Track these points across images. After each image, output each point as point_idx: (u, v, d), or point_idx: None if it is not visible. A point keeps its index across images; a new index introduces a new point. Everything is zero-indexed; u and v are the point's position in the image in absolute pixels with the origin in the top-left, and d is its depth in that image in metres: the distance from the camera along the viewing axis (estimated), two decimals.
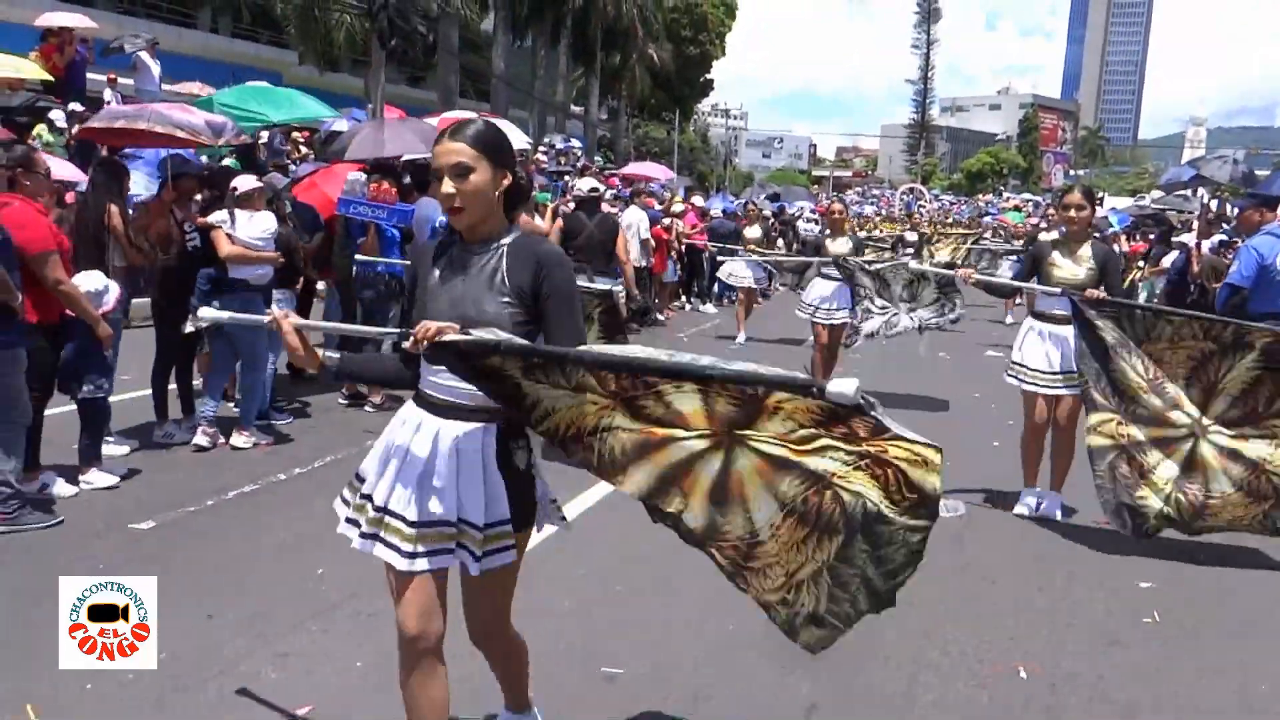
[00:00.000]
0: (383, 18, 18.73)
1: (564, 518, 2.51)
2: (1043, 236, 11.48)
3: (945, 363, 10.53)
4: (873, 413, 2.06)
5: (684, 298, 15.70)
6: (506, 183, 2.33)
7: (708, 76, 51.66)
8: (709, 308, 15.75)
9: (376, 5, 18.89)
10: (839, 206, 8.98)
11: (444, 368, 2.28)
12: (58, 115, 12.59)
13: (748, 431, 2.16)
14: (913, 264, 8.40)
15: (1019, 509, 5.35)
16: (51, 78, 13.92)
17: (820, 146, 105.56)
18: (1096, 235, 5.52)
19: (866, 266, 7.96)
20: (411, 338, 2.19)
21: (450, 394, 2.33)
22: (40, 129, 11.27)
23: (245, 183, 5.68)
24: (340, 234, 7.12)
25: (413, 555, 2.30)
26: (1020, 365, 5.36)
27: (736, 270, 12.41)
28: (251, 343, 5.73)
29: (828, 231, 8.60)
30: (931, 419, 7.37)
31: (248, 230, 5.53)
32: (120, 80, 15.82)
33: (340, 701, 3.03)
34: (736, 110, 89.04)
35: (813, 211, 22.86)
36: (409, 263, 2.57)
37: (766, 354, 10.07)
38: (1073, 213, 5.19)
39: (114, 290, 4.98)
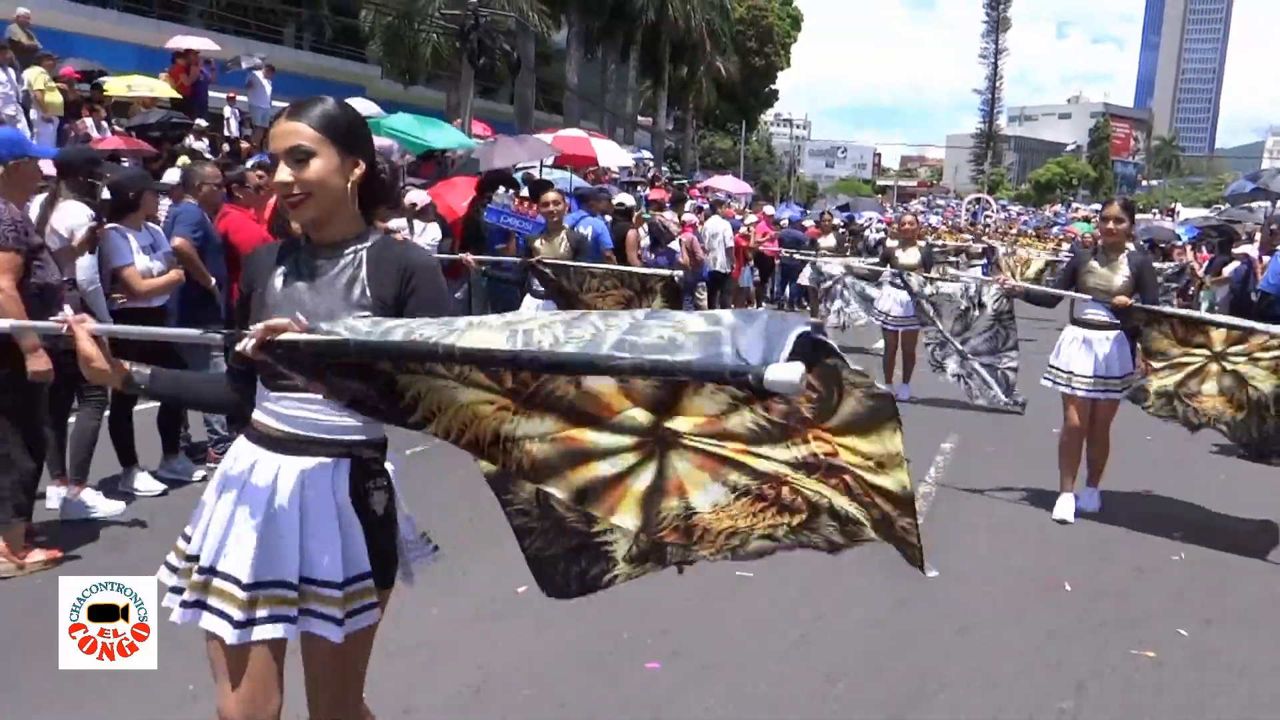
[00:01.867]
0: (474, 38, 19.88)
1: (435, 547, 2.18)
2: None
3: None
4: (826, 361, 1.66)
5: (757, 304, 16.50)
6: (359, 173, 1.99)
7: (772, 87, 52.32)
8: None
9: (468, 26, 20.06)
10: (910, 218, 9.45)
11: (284, 392, 1.96)
12: (200, 146, 13.75)
13: (679, 424, 1.84)
14: (948, 287, 8.14)
15: (1058, 514, 5.39)
16: (180, 96, 15.25)
17: (885, 156, 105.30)
18: (1134, 246, 5.75)
19: (923, 292, 8.10)
20: (246, 340, 1.78)
21: (291, 424, 1.97)
22: (184, 159, 12.40)
23: (420, 197, 6.70)
24: (466, 238, 8.09)
25: (246, 624, 1.93)
26: (1058, 369, 5.48)
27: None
28: None
29: (898, 242, 9.04)
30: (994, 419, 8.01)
31: (422, 241, 6.54)
32: (237, 97, 17.13)
33: None
34: (800, 120, 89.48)
35: (880, 222, 23.47)
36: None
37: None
38: (1111, 224, 5.39)
39: None
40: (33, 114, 12.78)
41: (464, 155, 11.29)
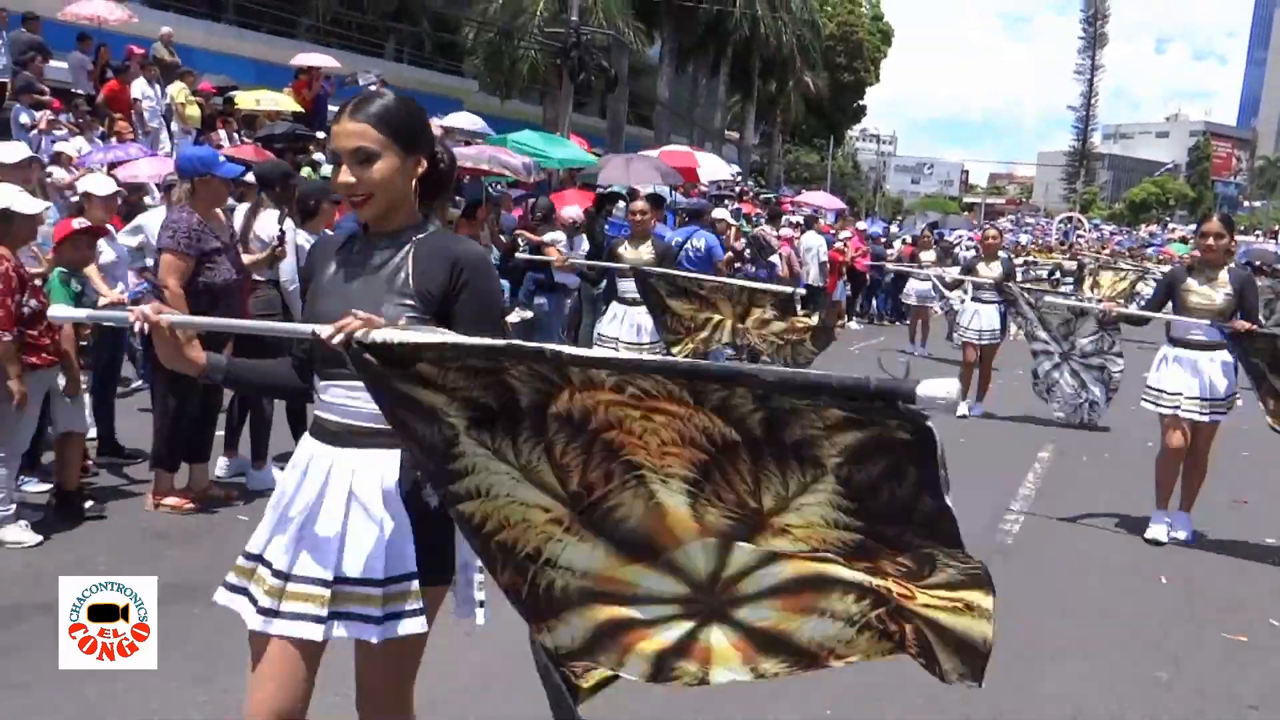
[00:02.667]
0: (575, 55, 20.61)
1: (481, 603, 2.02)
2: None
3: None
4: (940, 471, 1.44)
5: (846, 318, 16.75)
6: (422, 170, 2.01)
7: (860, 102, 52.17)
8: (854, 324, 16.69)
9: (569, 43, 20.80)
10: (994, 232, 9.59)
11: (332, 380, 1.96)
12: (319, 157, 14.64)
13: (738, 597, 1.66)
14: (1053, 299, 8.42)
15: (1151, 533, 5.38)
16: (302, 109, 16.23)
17: (972, 172, 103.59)
18: (1234, 264, 5.66)
19: (1029, 297, 8.26)
20: (333, 332, 1.74)
21: (340, 413, 1.97)
22: (307, 171, 13.23)
23: (575, 213, 7.30)
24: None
25: (270, 612, 1.91)
26: (1157, 390, 5.35)
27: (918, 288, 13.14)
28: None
29: (981, 255, 9.18)
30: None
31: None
32: None
33: None
34: (886, 135, 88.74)
35: (970, 239, 23.42)
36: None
37: (930, 370, 10.98)
38: (1211, 240, 5.23)
39: None
40: (173, 126, 13.85)
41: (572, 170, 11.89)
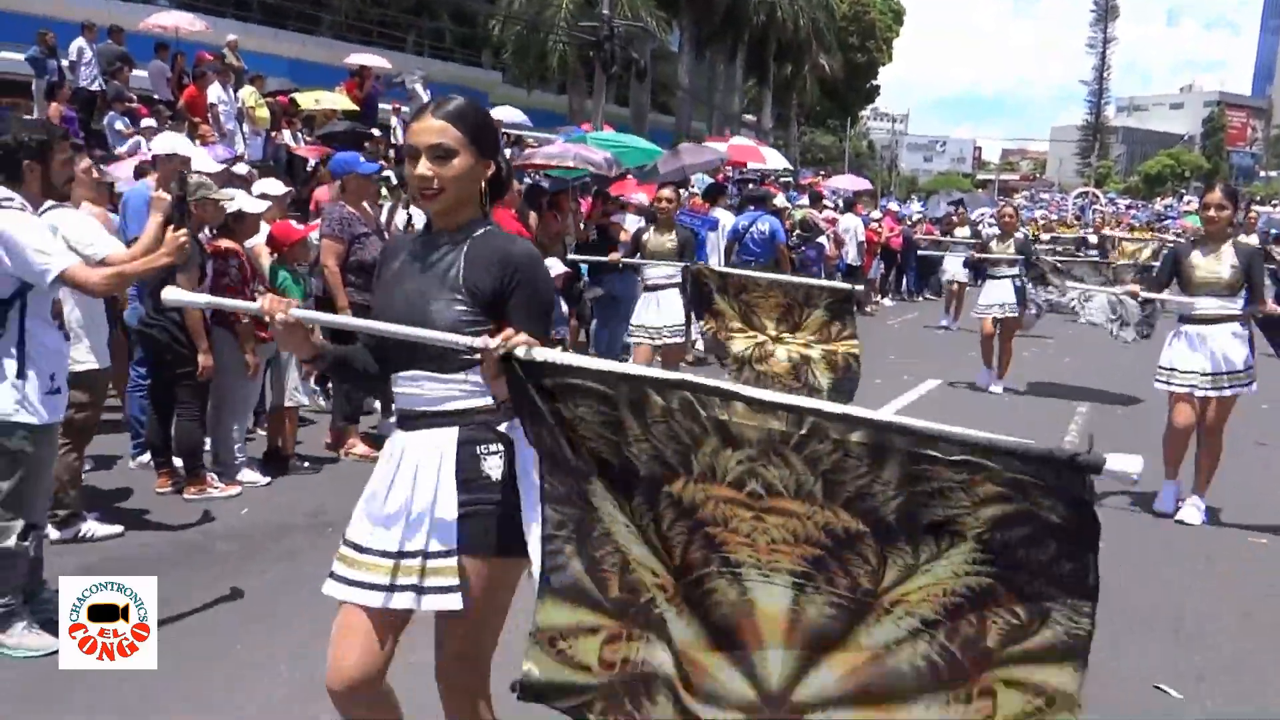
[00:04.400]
0: (608, 48, 21.40)
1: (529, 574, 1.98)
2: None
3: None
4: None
5: (879, 295, 17.59)
6: (490, 173, 2.10)
7: (874, 82, 52.62)
8: (887, 301, 17.49)
9: (602, 36, 21.59)
10: (1009, 209, 9.77)
11: (398, 370, 2.08)
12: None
13: (812, 693, 1.58)
14: (1077, 288, 8.38)
15: (1160, 505, 5.36)
16: (356, 108, 17.10)
17: (985, 149, 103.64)
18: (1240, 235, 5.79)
19: (1059, 265, 8.68)
20: (491, 345, 1.78)
21: (406, 401, 2.09)
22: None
23: (640, 199, 8.10)
24: None
25: (344, 581, 2.05)
26: (1170, 369, 5.28)
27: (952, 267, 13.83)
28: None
29: (998, 232, 9.41)
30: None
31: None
32: (401, 109, 18.96)
33: None
34: (897, 114, 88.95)
35: (992, 217, 24.09)
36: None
37: (965, 341, 11.71)
38: (1213, 212, 5.08)
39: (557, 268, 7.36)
40: (244, 127, 14.75)
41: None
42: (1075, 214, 40.59)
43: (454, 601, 1.96)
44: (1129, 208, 50.28)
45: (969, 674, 1.48)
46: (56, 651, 3.26)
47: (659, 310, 6.57)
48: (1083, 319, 8.74)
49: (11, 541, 3.23)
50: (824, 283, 6.66)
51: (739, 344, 6.28)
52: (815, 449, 1.49)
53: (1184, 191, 63.89)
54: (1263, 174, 79.54)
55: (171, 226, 3.65)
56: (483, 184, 2.09)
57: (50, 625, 3.40)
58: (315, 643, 3.16)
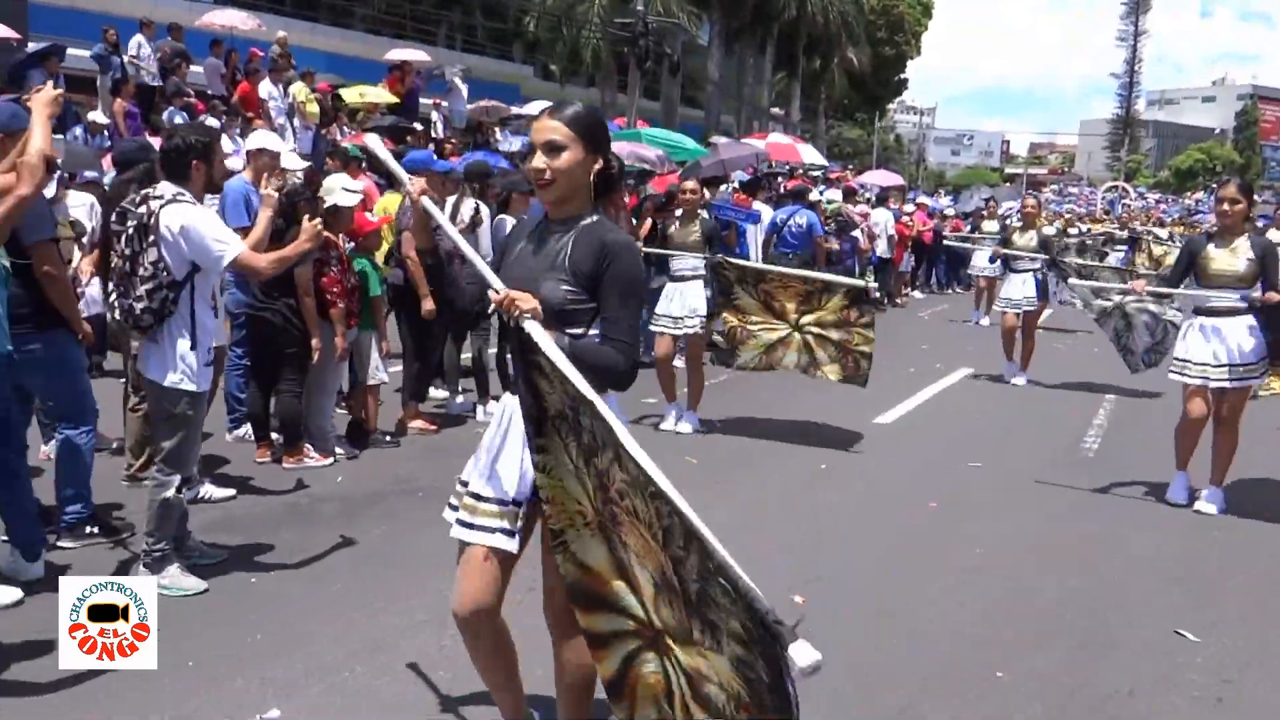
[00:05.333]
0: (643, 43, 21.77)
1: None
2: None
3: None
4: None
5: (909, 288, 17.90)
6: (598, 167, 2.37)
7: (902, 76, 52.58)
8: (917, 294, 17.77)
9: (637, 32, 21.96)
10: (1032, 202, 9.90)
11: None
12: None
13: (678, 642, 1.91)
14: (1081, 284, 8.25)
15: (1172, 495, 5.49)
16: (398, 101, 17.57)
17: (1013, 143, 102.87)
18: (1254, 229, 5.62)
19: (1082, 271, 8.61)
20: (501, 297, 2.20)
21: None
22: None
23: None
24: None
25: (469, 526, 2.39)
26: (1184, 360, 5.37)
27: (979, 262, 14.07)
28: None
29: (1020, 224, 9.52)
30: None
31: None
32: (441, 103, 19.40)
33: None
34: (925, 107, 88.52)
35: (1019, 212, 24.23)
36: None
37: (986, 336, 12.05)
38: (1227, 206, 5.23)
39: None
40: (295, 122, 15.25)
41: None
42: (1104, 209, 40.50)
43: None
44: (1159, 202, 50.02)
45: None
46: (206, 591, 3.79)
47: (682, 300, 6.79)
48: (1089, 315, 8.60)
49: (171, 493, 3.71)
50: (841, 279, 6.86)
51: (749, 352, 6.69)
52: (659, 506, 1.82)
53: (1215, 186, 63.17)
54: None
55: (306, 217, 4.11)
56: (591, 177, 2.36)
57: (196, 570, 3.90)
58: (429, 583, 3.68)
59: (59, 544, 4.12)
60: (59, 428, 4.29)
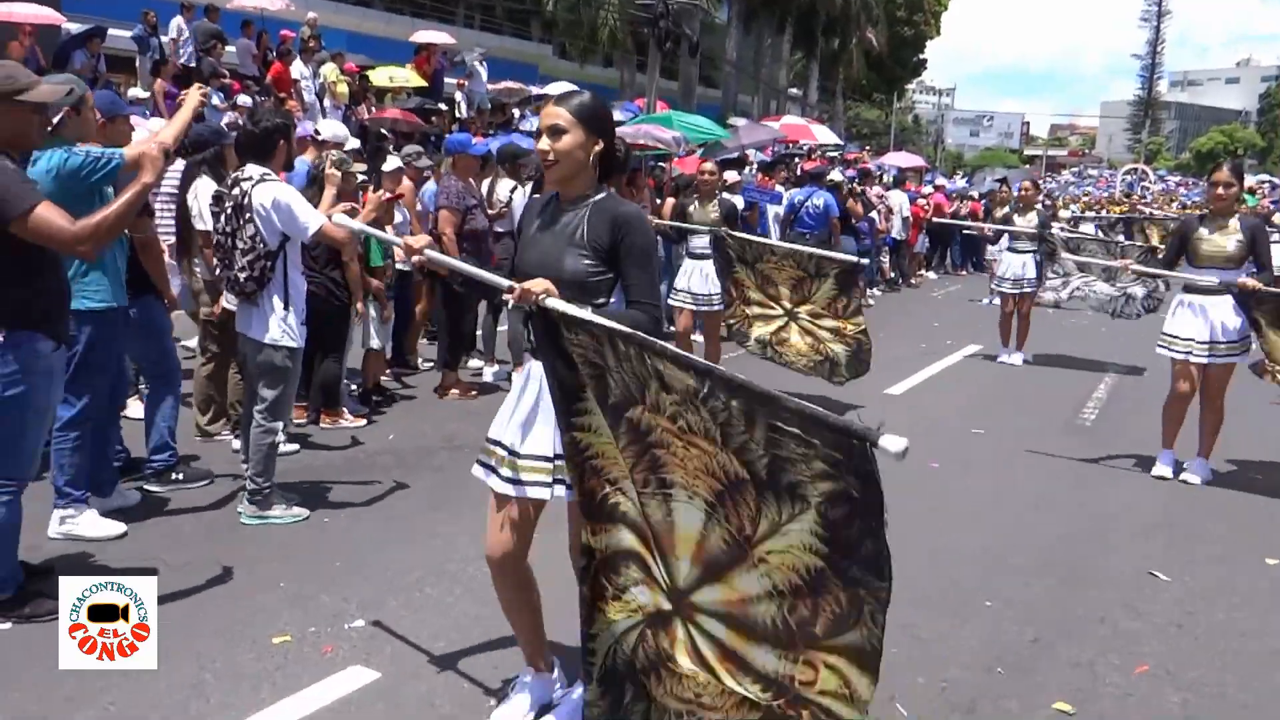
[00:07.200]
0: (663, 25, 22.05)
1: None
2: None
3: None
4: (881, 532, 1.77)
5: (923, 269, 18.24)
6: (599, 149, 2.55)
7: (921, 56, 52.42)
8: (931, 275, 18.12)
9: (657, 13, 22.23)
10: (1029, 184, 9.84)
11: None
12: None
13: (704, 600, 2.10)
14: (1073, 259, 8.53)
15: (1157, 471, 5.67)
16: (425, 83, 17.95)
17: (1033, 124, 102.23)
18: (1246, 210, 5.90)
19: (1068, 244, 8.78)
20: (514, 290, 2.32)
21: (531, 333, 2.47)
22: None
23: (731, 176, 8.89)
24: None
25: (507, 480, 2.58)
26: (1171, 335, 5.57)
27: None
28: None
29: (1019, 207, 9.67)
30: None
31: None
32: (464, 85, 19.76)
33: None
34: (943, 88, 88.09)
35: (1016, 195, 24.38)
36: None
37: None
38: (1220, 189, 5.38)
39: None
40: (325, 102, 15.68)
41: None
42: (1124, 191, 40.46)
43: (570, 493, 2.49)
44: (1179, 185, 49.73)
45: (798, 646, 1.91)
46: (308, 517, 4.28)
47: (702, 278, 7.00)
48: (1087, 309, 8.91)
49: (279, 438, 4.24)
50: (832, 254, 6.97)
51: (759, 329, 6.92)
52: (713, 405, 1.92)
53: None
54: None
55: (372, 188, 4.59)
56: (592, 159, 2.55)
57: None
58: (480, 521, 4.09)
59: (147, 488, 4.63)
60: (149, 385, 4.78)
